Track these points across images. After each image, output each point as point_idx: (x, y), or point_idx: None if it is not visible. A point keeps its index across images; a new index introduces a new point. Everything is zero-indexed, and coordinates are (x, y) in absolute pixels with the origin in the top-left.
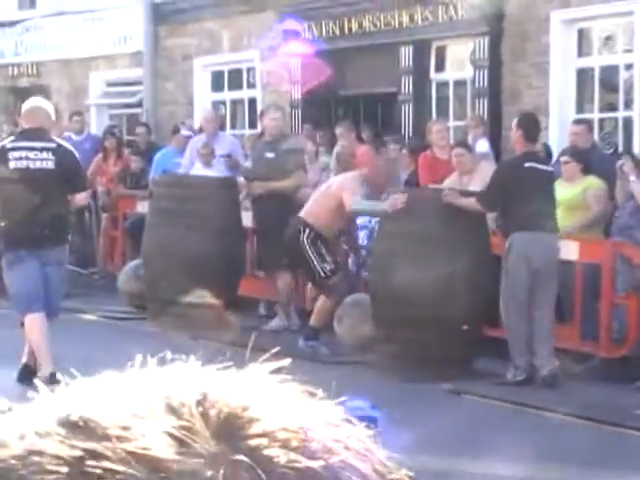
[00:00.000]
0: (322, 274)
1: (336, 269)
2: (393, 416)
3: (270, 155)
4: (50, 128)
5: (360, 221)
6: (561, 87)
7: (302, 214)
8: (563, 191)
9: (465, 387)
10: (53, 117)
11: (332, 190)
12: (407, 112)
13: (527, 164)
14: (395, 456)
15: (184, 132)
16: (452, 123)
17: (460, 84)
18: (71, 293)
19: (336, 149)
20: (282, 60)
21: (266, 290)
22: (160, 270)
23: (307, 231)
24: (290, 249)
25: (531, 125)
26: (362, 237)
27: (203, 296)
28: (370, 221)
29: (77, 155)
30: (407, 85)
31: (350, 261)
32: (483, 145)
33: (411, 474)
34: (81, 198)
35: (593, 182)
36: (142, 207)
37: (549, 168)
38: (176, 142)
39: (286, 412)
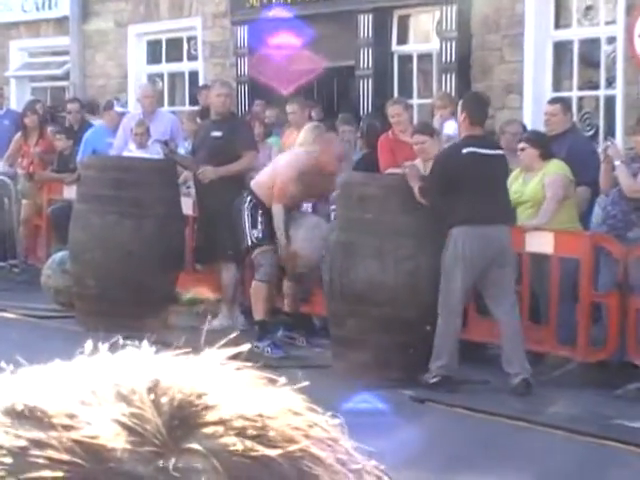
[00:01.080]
0: (249, 242)
1: (264, 239)
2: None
3: (217, 134)
4: None
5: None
6: (536, 62)
7: (252, 183)
8: (525, 186)
9: (429, 394)
10: None
11: (275, 169)
12: (366, 88)
13: (466, 149)
14: (364, 447)
15: (117, 108)
16: (416, 101)
17: (425, 58)
18: None
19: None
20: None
21: (207, 286)
22: (89, 263)
23: (249, 198)
24: (234, 219)
25: (477, 107)
26: None
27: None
28: (327, 209)
29: None
30: (366, 58)
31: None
32: (451, 126)
33: (382, 466)
34: None
35: (550, 167)
36: (69, 193)
37: (496, 152)
38: (108, 119)
39: (244, 399)
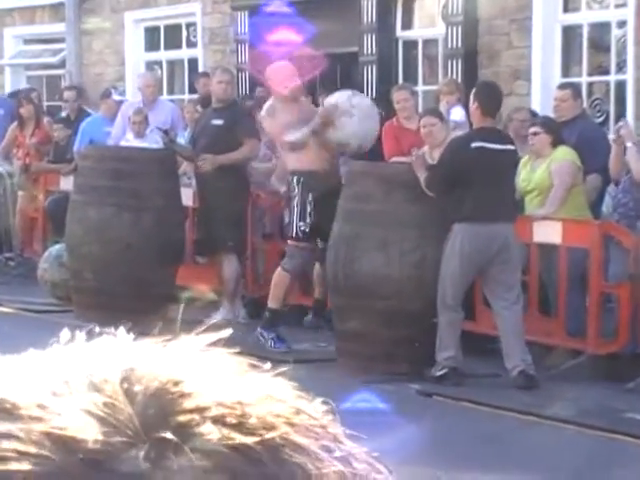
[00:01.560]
0: (294, 232)
1: (309, 235)
2: (354, 419)
3: (217, 122)
4: None
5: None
6: (545, 47)
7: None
8: (532, 174)
9: (436, 388)
10: None
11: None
12: (370, 75)
13: (475, 144)
14: (357, 435)
15: (115, 97)
16: (421, 88)
17: (430, 43)
18: None
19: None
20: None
21: (208, 279)
22: (87, 256)
23: (296, 183)
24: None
25: (490, 97)
26: None
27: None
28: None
29: None
30: (370, 44)
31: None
32: (458, 113)
33: (375, 454)
34: None
35: (557, 154)
36: (66, 184)
37: (507, 147)
38: (106, 108)
39: (223, 386)
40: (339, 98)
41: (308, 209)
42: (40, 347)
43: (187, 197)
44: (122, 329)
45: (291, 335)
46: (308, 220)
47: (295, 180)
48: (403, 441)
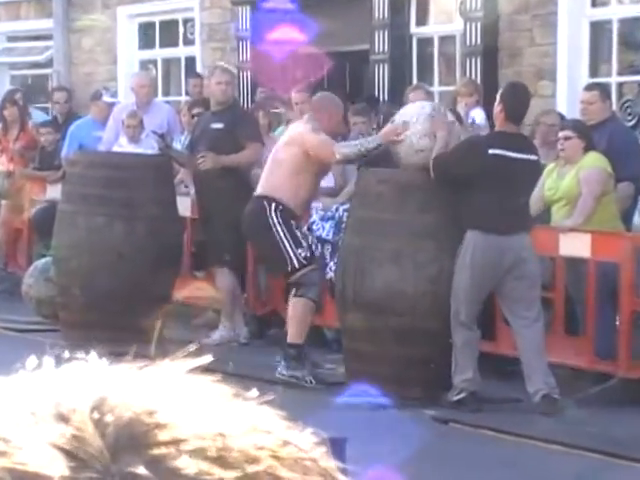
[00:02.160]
0: (296, 263)
1: (312, 258)
2: (366, 449)
3: (217, 126)
4: None
5: (321, 209)
6: (571, 45)
7: (261, 192)
8: (559, 182)
9: (452, 414)
10: None
11: (287, 152)
12: (382, 75)
13: (493, 150)
14: (350, 469)
15: (106, 99)
16: (437, 88)
17: (447, 41)
18: None
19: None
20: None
21: (207, 294)
22: (75, 271)
23: (273, 206)
24: (254, 234)
25: (517, 100)
26: (327, 229)
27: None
28: (337, 209)
29: None
30: (382, 41)
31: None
32: (478, 115)
33: None
34: None
35: (586, 161)
36: (53, 192)
37: (529, 157)
38: (96, 111)
39: (202, 417)
40: (413, 114)
41: (298, 234)
42: (22, 369)
43: (184, 207)
44: (94, 353)
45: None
46: (304, 244)
47: (273, 209)
48: (417, 472)
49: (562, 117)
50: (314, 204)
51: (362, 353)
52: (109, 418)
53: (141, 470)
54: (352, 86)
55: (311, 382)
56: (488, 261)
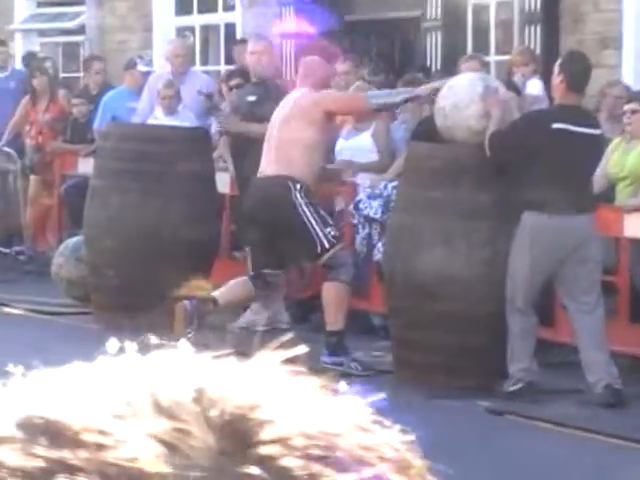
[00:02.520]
0: (326, 243)
1: (340, 235)
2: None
3: (251, 98)
4: None
5: (368, 187)
6: (638, 10)
7: (279, 172)
8: (625, 159)
9: (508, 405)
10: None
11: (300, 129)
12: (434, 43)
13: (556, 124)
14: (438, 467)
15: (141, 68)
16: (493, 58)
17: (504, 7)
18: None
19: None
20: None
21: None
22: (107, 250)
23: (298, 186)
24: (279, 217)
25: (578, 70)
26: (375, 208)
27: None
28: (385, 187)
29: None
30: (435, 8)
31: (357, 238)
32: (535, 86)
33: None
34: None
35: None
36: (85, 167)
37: (593, 131)
38: (130, 81)
39: (304, 413)
40: (465, 94)
41: (323, 213)
42: (53, 354)
43: (223, 183)
44: (184, 340)
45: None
46: (331, 222)
47: (298, 189)
48: (470, 466)
49: (628, 89)
50: (360, 181)
51: (411, 340)
52: (213, 413)
53: (254, 470)
54: (402, 56)
55: (357, 368)
56: (548, 243)
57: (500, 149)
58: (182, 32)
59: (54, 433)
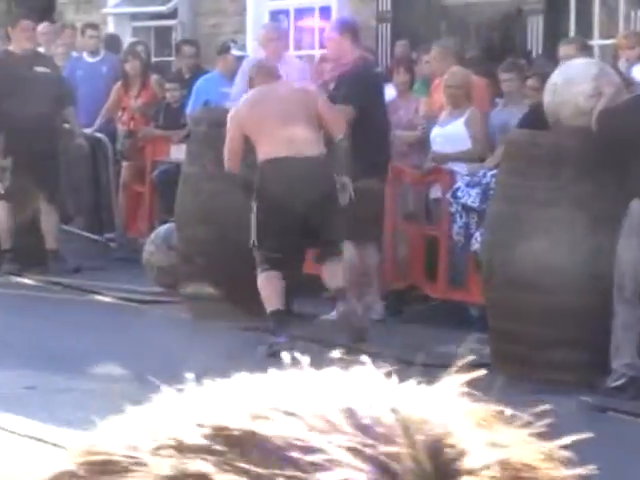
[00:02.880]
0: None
1: None
2: None
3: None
4: None
5: (466, 175)
6: None
7: (312, 153)
8: None
9: (611, 402)
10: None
11: (309, 107)
12: (536, 27)
13: None
14: None
15: (235, 52)
16: (597, 42)
17: None
18: (80, 266)
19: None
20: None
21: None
22: (199, 238)
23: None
24: (325, 200)
25: None
26: (473, 196)
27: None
28: (484, 175)
29: None
30: None
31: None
32: None
33: None
34: None
35: None
36: (177, 153)
37: None
38: (223, 65)
39: (494, 440)
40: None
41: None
42: (146, 343)
43: None
44: (364, 358)
45: (432, 336)
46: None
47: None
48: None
49: None
50: (457, 168)
51: (509, 333)
52: (419, 437)
53: None
54: (502, 40)
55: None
56: None
57: (607, 126)
58: (276, 16)
59: (254, 447)
